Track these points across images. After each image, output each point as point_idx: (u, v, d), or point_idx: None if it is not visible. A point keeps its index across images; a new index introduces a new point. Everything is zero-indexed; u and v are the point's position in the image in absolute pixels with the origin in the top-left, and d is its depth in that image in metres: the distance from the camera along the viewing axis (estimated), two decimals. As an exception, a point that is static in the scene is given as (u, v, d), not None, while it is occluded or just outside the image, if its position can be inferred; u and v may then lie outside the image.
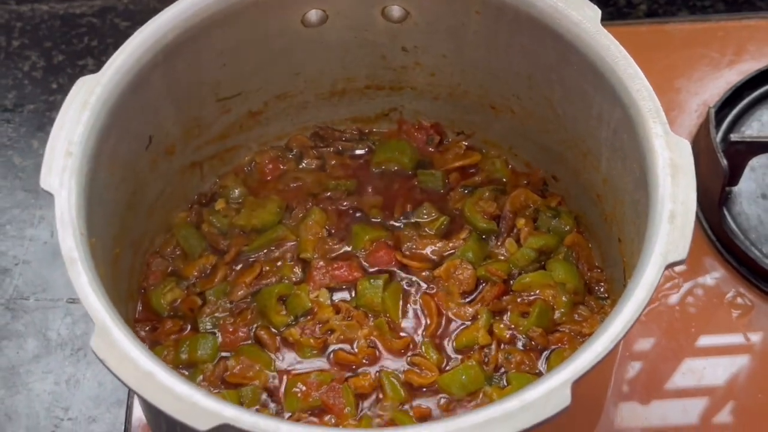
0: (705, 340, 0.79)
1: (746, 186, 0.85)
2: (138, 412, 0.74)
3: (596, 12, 0.66)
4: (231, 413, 0.53)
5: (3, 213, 0.90)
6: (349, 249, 0.76)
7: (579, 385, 0.54)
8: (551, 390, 0.53)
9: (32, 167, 0.93)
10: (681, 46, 0.94)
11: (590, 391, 0.65)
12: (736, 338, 0.79)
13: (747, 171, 0.84)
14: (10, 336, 0.83)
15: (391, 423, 0.68)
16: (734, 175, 0.83)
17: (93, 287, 0.57)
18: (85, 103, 0.64)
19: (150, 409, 0.64)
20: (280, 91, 0.78)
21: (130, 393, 0.76)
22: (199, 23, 0.69)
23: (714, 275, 0.82)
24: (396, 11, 0.73)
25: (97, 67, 0.62)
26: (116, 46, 0.66)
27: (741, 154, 0.82)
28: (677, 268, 0.82)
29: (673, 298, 0.81)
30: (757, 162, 0.85)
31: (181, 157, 0.76)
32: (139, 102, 0.67)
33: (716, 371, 0.77)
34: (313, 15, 0.73)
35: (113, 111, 0.65)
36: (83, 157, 0.62)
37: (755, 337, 0.79)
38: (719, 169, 0.79)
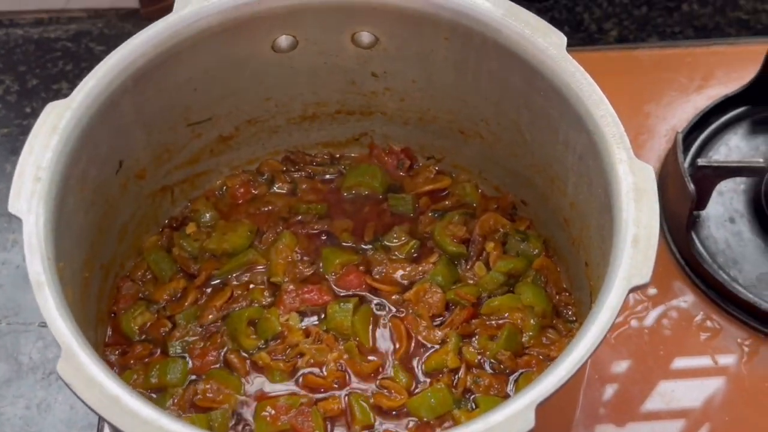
0: (676, 363, 0.80)
1: (714, 210, 0.86)
2: None
3: (562, 39, 0.67)
4: None
5: None
6: (319, 272, 0.77)
7: (544, 407, 0.54)
8: (516, 413, 0.54)
9: (5, 191, 0.92)
10: (650, 71, 0.95)
11: (556, 412, 0.66)
12: (705, 360, 0.80)
13: (715, 195, 0.85)
14: None
15: None
16: (702, 199, 0.84)
17: (60, 311, 0.57)
18: (54, 128, 0.64)
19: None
20: (251, 116, 0.79)
21: (101, 417, 0.76)
22: (168, 49, 0.69)
23: (683, 298, 0.83)
24: (365, 37, 0.73)
25: (72, 91, 0.62)
26: (91, 70, 0.67)
27: (708, 178, 0.83)
28: (648, 292, 0.83)
29: (644, 321, 0.81)
30: (724, 186, 0.86)
31: (151, 181, 0.76)
32: (110, 127, 0.68)
33: (688, 393, 0.78)
34: (284, 41, 0.73)
35: (83, 136, 0.65)
36: (52, 182, 0.62)
37: (724, 360, 0.80)
38: (687, 193, 0.80)
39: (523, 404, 0.54)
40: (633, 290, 0.58)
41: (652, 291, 0.83)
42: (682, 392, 0.78)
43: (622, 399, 0.77)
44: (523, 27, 0.68)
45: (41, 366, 0.83)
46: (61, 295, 0.59)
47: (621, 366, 0.79)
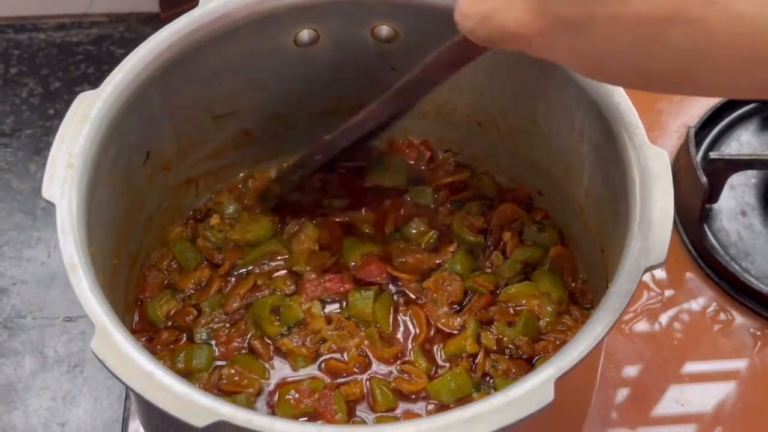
0: (690, 353, 0.81)
1: (726, 203, 0.87)
2: (134, 426, 0.76)
3: None
4: (227, 411, 0.54)
5: (1, 235, 0.92)
6: (340, 262, 0.78)
7: (562, 382, 0.56)
8: (535, 386, 0.55)
9: (29, 190, 0.95)
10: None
11: (574, 389, 0.67)
12: (718, 350, 0.81)
13: (726, 189, 0.87)
14: (7, 354, 0.84)
15: None
16: (714, 192, 0.86)
17: (93, 292, 0.59)
18: (85, 117, 0.66)
19: (147, 410, 0.66)
20: (273, 111, 0.80)
21: (126, 408, 0.78)
22: (194, 42, 0.71)
23: (696, 290, 0.84)
24: (385, 31, 0.75)
25: None
26: (112, 73, 0.68)
27: (720, 171, 0.85)
28: (661, 284, 0.84)
29: (657, 313, 0.83)
30: (736, 180, 0.88)
31: (177, 173, 0.78)
32: (137, 117, 0.70)
33: (702, 384, 0.79)
34: (305, 35, 0.75)
35: (112, 125, 0.67)
36: (83, 169, 0.64)
37: (737, 349, 0.81)
38: (699, 186, 0.82)
39: (542, 378, 0.55)
40: (648, 269, 0.60)
41: (665, 283, 0.84)
42: (696, 382, 0.79)
43: (637, 388, 0.79)
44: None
45: (66, 359, 0.84)
46: (94, 277, 0.60)
47: (635, 357, 0.80)
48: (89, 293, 0.59)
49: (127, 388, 0.57)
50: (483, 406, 0.55)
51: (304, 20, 0.74)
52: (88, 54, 1.05)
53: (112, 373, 0.56)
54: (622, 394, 0.78)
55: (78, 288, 0.59)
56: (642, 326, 0.82)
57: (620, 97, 0.66)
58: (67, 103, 0.98)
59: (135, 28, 1.06)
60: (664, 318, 0.82)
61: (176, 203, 0.80)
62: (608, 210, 0.69)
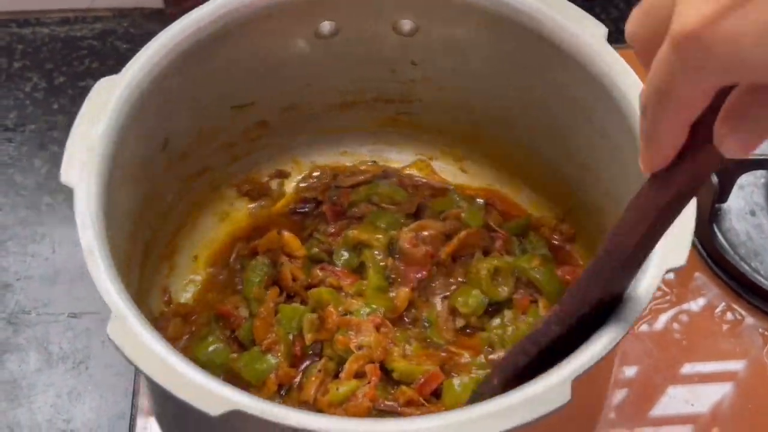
0: (699, 352, 0.81)
1: (735, 203, 0.88)
2: (142, 423, 0.76)
3: (602, 30, 0.68)
4: (243, 400, 0.54)
5: (5, 230, 0.91)
6: None
7: (579, 383, 0.55)
8: (553, 386, 0.55)
9: (34, 185, 0.94)
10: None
11: (589, 391, 0.67)
12: (728, 349, 0.81)
13: (736, 189, 0.87)
14: (12, 350, 0.84)
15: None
16: (723, 192, 0.86)
17: (110, 277, 0.59)
18: (105, 102, 0.65)
19: (163, 400, 0.66)
20: (291, 102, 0.80)
21: (134, 405, 0.78)
22: (215, 31, 0.71)
23: (705, 289, 0.84)
24: (407, 25, 0.75)
25: None
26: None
27: (730, 171, 0.85)
28: (668, 280, 0.84)
29: (666, 311, 0.83)
30: (745, 180, 0.89)
31: (194, 161, 0.78)
32: (156, 105, 0.69)
33: (711, 382, 0.79)
34: (326, 27, 0.75)
35: (132, 111, 0.66)
36: (102, 154, 0.64)
37: (746, 349, 0.81)
38: (709, 185, 0.82)
39: (560, 378, 0.55)
40: (669, 271, 0.59)
41: (673, 282, 0.84)
42: (705, 380, 0.79)
43: (646, 388, 0.79)
44: (563, 18, 0.69)
45: (71, 356, 0.83)
46: (111, 261, 0.60)
47: (643, 356, 0.80)
48: (106, 278, 0.58)
49: (142, 374, 0.56)
50: (498, 404, 0.54)
51: (325, 12, 0.74)
52: (92, 49, 1.05)
53: (127, 358, 0.55)
54: (632, 393, 0.78)
55: (94, 272, 0.58)
56: (650, 326, 0.82)
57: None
58: (71, 98, 1.00)
59: (139, 24, 1.06)
60: (672, 317, 0.82)
61: (192, 193, 0.79)
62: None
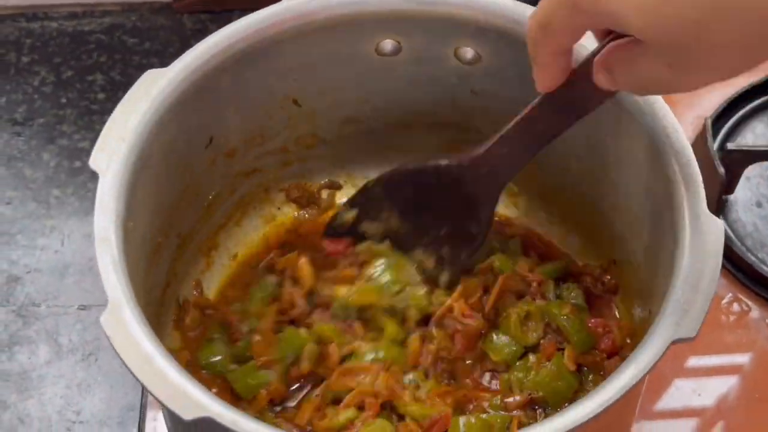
0: (705, 343, 0.78)
1: (742, 195, 0.88)
2: (152, 415, 0.76)
3: None
4: (216, 408, 0.54)
5: (14, 223, 0.93)
6: None
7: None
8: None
9: (42, 179, 0.95)
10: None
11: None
12: (734, 340, 0.81)
13: (742, 180, 0.87)
14: (22, 342, 0.85)
15: None
16: (730, 183, 0.86)
17: (115, 266, 0.59)
18: (146, 94, 0.66)
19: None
20: (347, 116, 0.79)
21: (144, 394, 0.78)
22: (271, 36, 0.70)
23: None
24: (469, 53, 0.74)
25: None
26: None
27: (737, 162, 0.85)
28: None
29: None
30: (751, 172, 0.88)
31: (241, 161, 0.77)
32: (203, 102, 0.69)
33: (717, 372, 0.79)
34: (388, 45, 0.74)
35: (175, 105, 0.67)
36: (135, 144, 0.64)
37: (753, 339, 0.81)
38: (716, 176, 0.83)
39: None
40: (676, 342, 0.57)
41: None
42: (712, 372, 0.79)
43: (649, 379, 0.76)
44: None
45: (81, 348, 0.84)
46: (122, 252, 0.60)
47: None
48: (110, 266, 0.58)
49: (125, 365, 0.56)
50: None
51: (388, 30, 0.73)
52: (100, 43, 1.05)
53: (114, 349, 0.56)
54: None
55: (101, 260, 0.59)
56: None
57: (687, 158, 0.64)
58: (80, 92, 1.01)
59: (147, 18, 1.06)
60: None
61: (239, 192, 0.79)
62: (660, 273, 0.65)
